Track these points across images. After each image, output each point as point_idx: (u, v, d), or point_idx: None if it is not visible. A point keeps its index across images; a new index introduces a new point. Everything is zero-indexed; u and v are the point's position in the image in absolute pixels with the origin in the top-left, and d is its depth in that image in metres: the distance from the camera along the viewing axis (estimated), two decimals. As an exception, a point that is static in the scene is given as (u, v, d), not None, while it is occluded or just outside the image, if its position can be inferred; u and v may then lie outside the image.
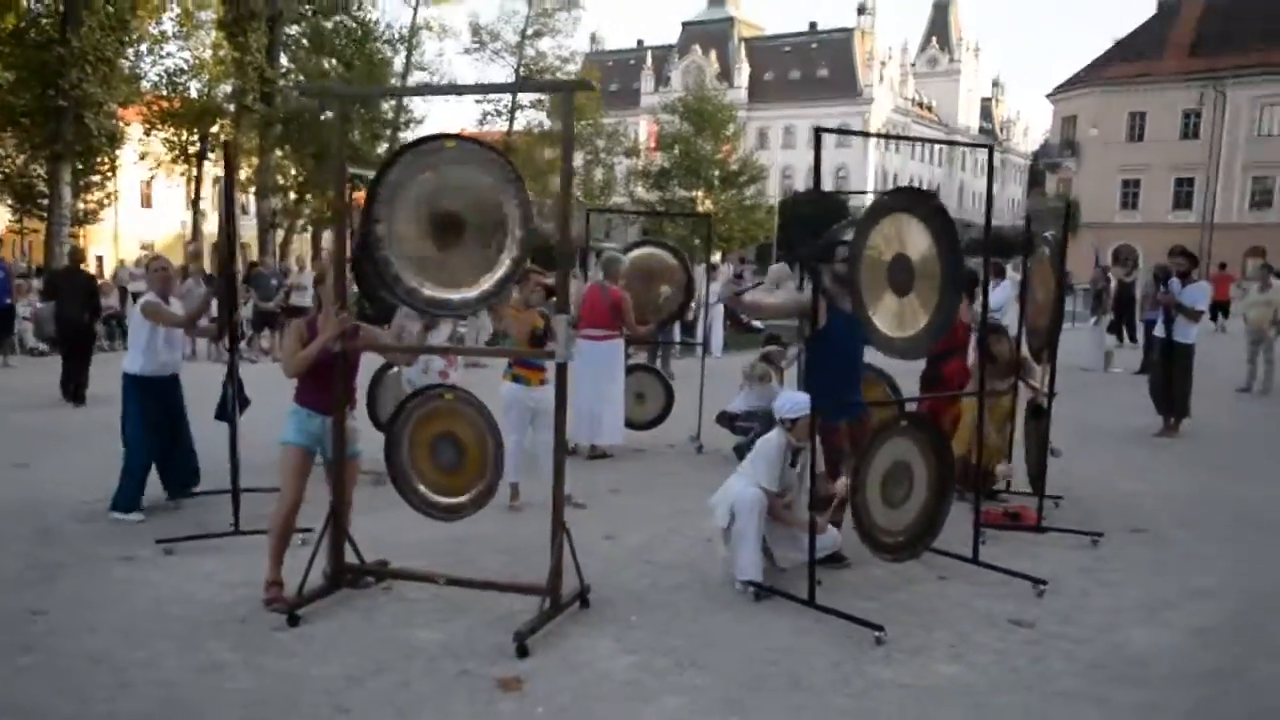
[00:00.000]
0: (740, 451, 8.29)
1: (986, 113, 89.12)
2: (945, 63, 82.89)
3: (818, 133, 4.62)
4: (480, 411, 4.69)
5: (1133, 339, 17.23)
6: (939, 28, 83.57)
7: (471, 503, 4.75)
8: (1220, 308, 22.08)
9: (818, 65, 74.75)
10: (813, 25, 78.58)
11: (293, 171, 25.39)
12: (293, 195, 25.81)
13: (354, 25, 26.86)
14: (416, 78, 31.45)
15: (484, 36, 39.42)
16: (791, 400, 5.05)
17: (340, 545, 4.85)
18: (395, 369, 8.09)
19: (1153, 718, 3.64)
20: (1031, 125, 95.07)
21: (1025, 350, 6.58)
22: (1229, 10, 51.78)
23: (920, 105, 79.64)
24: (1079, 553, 5.66)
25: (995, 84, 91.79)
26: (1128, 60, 51.78)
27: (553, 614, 4.46)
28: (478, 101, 41.45)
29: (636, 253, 9.04)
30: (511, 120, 40.03)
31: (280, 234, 30.59)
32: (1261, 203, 48.40)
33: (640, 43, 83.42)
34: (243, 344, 16.82)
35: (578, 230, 18.53)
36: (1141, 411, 9.95)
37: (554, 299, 6.61)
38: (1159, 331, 9.70)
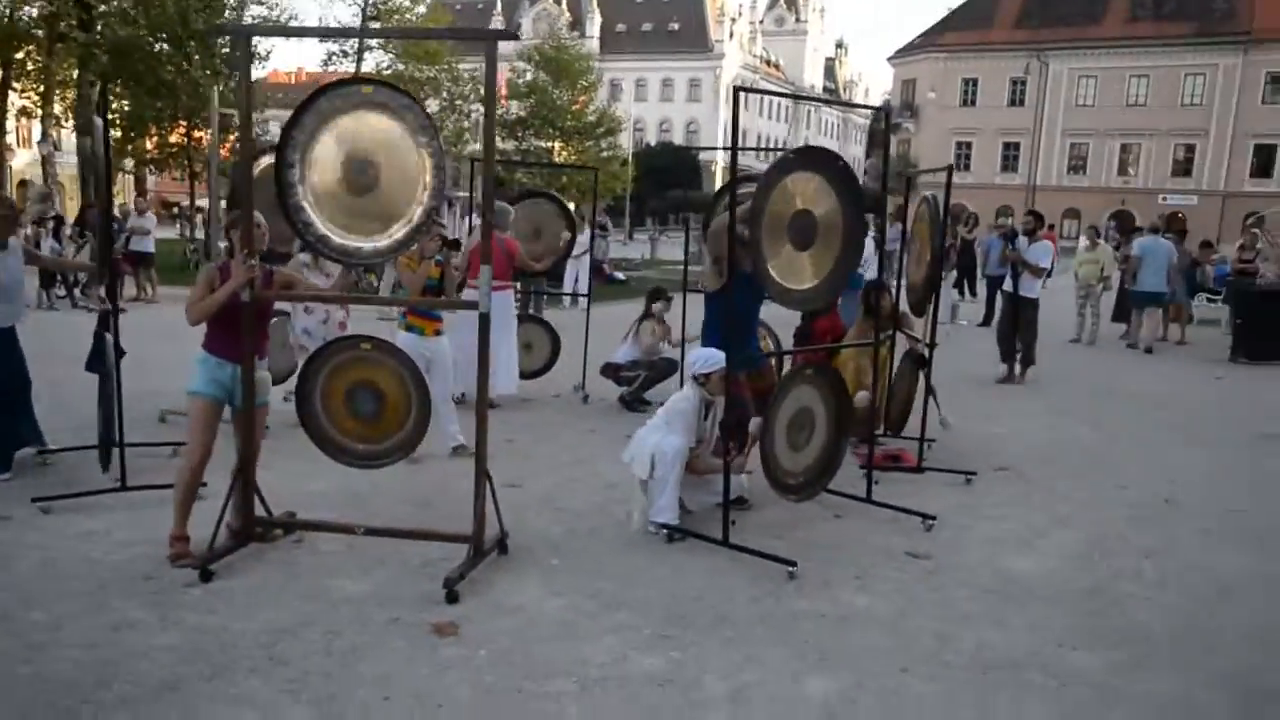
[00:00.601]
0: (626, 401, 8.48)
1: (830, 73, 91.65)
2: (792, 22, 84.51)
3: (737, 92, 4.73)
4: (401, 360, 4.64)
5: (973, 293, 18.30)
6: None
7: (395, 448, 4.71)
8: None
9: (669, 19, 74.93)
10: (664, -23, 78.50)
11: (125, 106, 23.57)
12: (118, 133, 23.98)
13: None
14: (253, 12, 29.77)
15: (329, -29, 37.63)
16: (705, 356, 5.21)
17: (250, 498, 4.73)
18: (277, 317, 7.83)
19: (1043, 634, 4.01)
20: (872, 87, 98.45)
21: (904, 304, 6.96)
22: (1052, -17, 54.97)
23: (768, 63, 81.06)
24: (956, 490, 6.09)
25: (839, 45, 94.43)
26: (962, 29, 54.28)
27: (476, 560, 4.50)
28: (321, 40, 39.62)
29: (522, 204, 8.99)
30: (359, 63, 38.53)
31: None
32: (1076, 168, 51.95)
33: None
34: (77, 291, 15.90)
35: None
36: (989, 360, 10.65)
37: (449, 249, 6.57)
38: (1007, 286, 10.39)
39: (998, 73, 52.52)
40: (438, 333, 6.73)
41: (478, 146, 35.21)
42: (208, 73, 23.04)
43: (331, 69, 38.60)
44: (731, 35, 74.17)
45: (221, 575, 4.41)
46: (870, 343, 6.24)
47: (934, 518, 5.33)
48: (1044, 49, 51.16)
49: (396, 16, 38.45)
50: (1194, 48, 49.65)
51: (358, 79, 4.50)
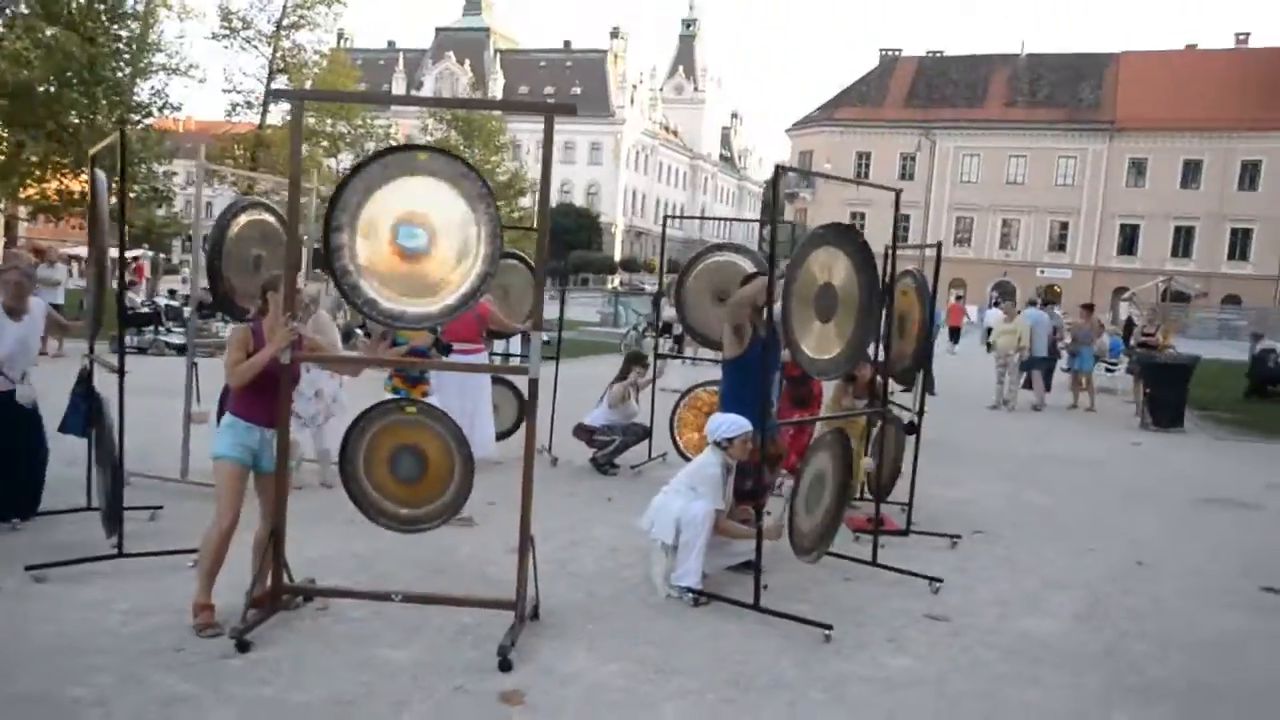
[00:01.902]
0: (598, 464, 8.51)
1: (726, 141, 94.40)
2: (690, 91, 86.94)
3: (778, 171, 4.96)
4: (445, 424, 4.63)
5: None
6: (685, 57, 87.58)
7: (437, 512, 4.67)
8: (954, 333, 24.88)
9: (572, 83, 76.14)
10: (567, 44, 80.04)
11: (23, 153, 22.48)
12: (15, 179, 22.86)
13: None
14: (156, 59, 28.98)
15: (235, 23, 37.03)
16: (728, 421, 5.34)
17: (280, 564, 4.61)
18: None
19: (1081, 694, 4.23)
20: (765, 156, 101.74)
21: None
22: (937, 68, 58.31)
23: (666, 129, 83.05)
24: (944, 553, 6.33)
25: (734, 115, 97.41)
26: (854, 105, 56.84)
27: (520, 627, 4.48)
28: (225, 91, 38.89)
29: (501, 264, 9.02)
30: (264, 114, 37.92)
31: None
32: (962, 240, 54.60)
33: (391, 44, 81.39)
34: None
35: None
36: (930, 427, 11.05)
37: None
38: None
39: (889, 148, 55.09)
40: (424, 394, 6.68)
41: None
42: (114, 120, 22.33)
43: (235, 119, 37.97)
44: (633, 101, 75.81)
45: (256, 645, 4.27)
46: (869, 411, 6.50)
47: (941, 580, 5.54)
48: (931, 127, 53.96)
49: (305, 70, 38.09)
50: (1065, 133, 53.12)
51: (412, 146, 4.52)
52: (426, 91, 74.32)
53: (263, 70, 37.86)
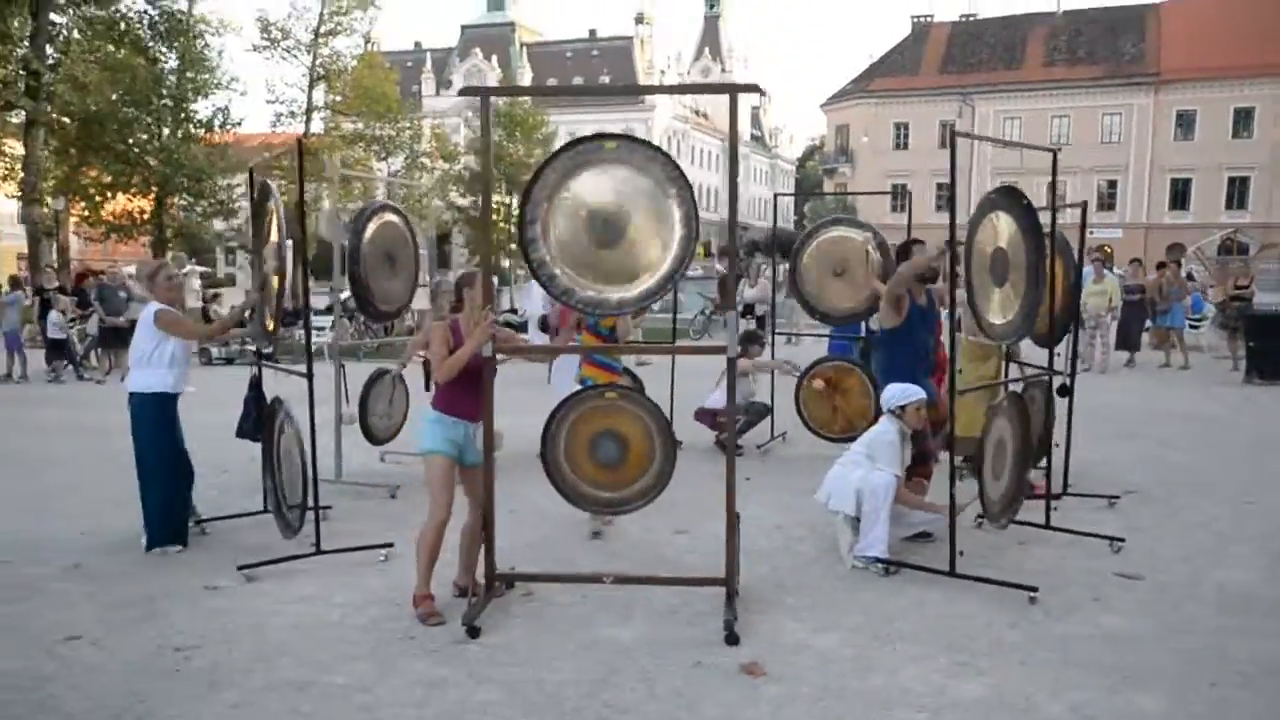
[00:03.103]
0: (723, 445, 8.57)
1: (756, 120, 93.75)
2: (718, 72, 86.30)
3: (953, 136, 4.98)
4: (644, 406, 4.72)
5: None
6: (710, 39, 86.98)
7: (639, 494, 4.76)
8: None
9: (599, 71, 75.95)
10: (593, 32, 79.79)
11: (99, 176, 22.96)
12: (93, 201, 23.31)
13: (150, 14, 24.58)
14: (213, 76, 29.42)
15: (274, 34, 37.48)
16: (901, 390, 5.38)
17: (492, 552, 4.72)
18: (389, 374, 7.81)
19: (1306, 640, 4.24)
20: (796, 134, 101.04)
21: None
22: (971, 32, 57.52)
23: (697, 113, 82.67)
24: (1106, 513, 6.34)
25: (763, 94, 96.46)
26: (889, 75, 56.25)
27: (733, 603, 4.57)
28: (269, 102, 39.42)
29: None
30: (308, 122, 38.38)
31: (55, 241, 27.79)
32: (1008, 205, 53.83)
33: (418, 44, 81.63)
34: (80, 363, 15.40)
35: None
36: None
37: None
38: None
39: (927, 116, 54.44)
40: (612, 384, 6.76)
41: (438, 202, 34.69)
42: (180, 136, 22.73)
43: (280, 129, 38.50)
44: (461, 92, 75.45)
45: (485, 631, 4.39)
46: (1022, 378, 6.53)
47: (1123, 540, 5.55)
48: (969, 92, 53.28)
49: (345, 75, 38.42)
50: (1108, 89, 52.21)
51: (601, 136, 4.60)
52: (457, 89, 74.66)
53: (304, 79, 38.45)
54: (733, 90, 4.61)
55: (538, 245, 4.56)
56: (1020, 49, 55.11)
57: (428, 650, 4.22)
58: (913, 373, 5.70)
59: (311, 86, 38.74)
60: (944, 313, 6.05)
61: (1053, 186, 6.00)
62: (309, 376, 5.38)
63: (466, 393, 4.67)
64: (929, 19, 59.56)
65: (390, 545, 5.57)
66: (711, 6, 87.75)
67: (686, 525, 6.20)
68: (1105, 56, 53.34)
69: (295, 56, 38.42)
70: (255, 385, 6.30)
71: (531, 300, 17.15)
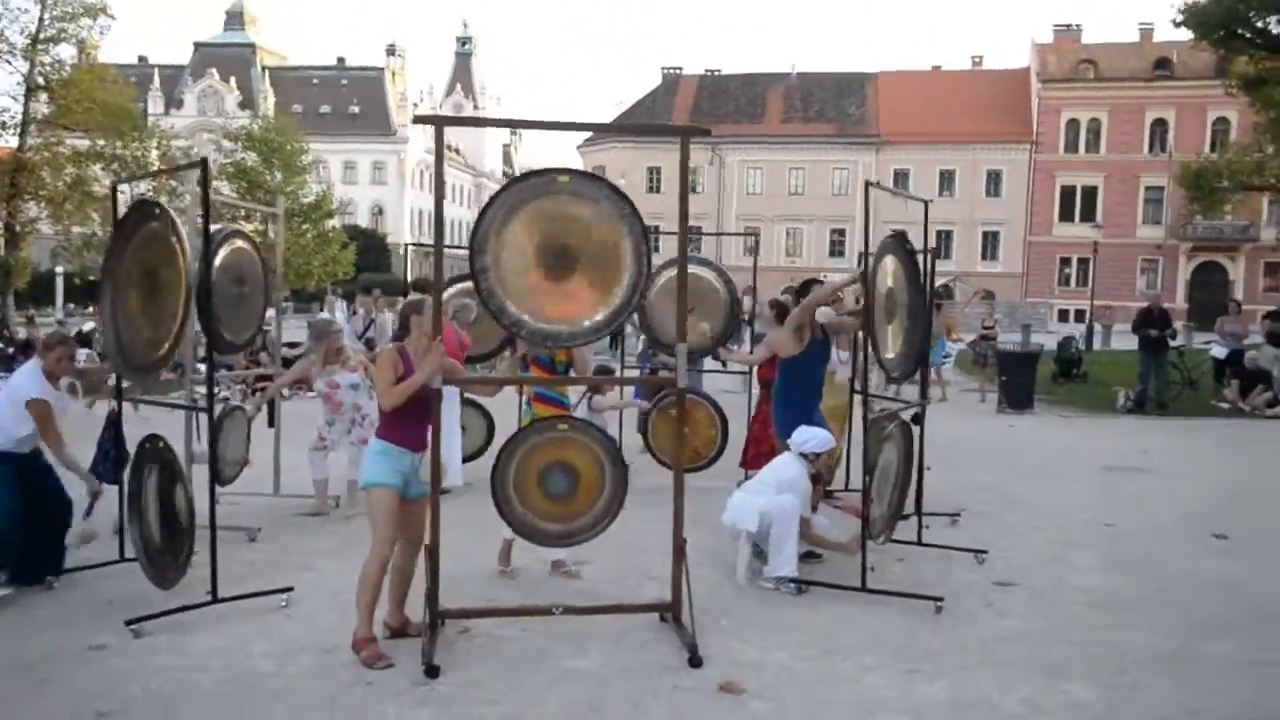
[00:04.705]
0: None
1: (508, 158, 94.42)
2: (469, 109, 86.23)
3: (866, 187, 5.41)
4: (594, 437, 4.76)
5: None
6: (462, 75, 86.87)
7: (588, 526, 4.77)
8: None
9: (349, 101, 73.83)
10: (341, 60, 77.47)
11: None
12: None
13: None
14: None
15: (-18, 34, 33.57)
16: (815, 437, 5.73)
17: (436, 587, 4.57)
18: (239, 410, 7.29)
19: (1171, 631, 4.93)
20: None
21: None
22: (717, 85, 61.15)
23: (449, 148, 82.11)
24: (952, 531, 6.97)
25: (514, 133, 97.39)
26: (642, 121, 58.53)
27: (680, 628, 4.69)
28: (-22, 112, 35.19)
29: (458, 289, 8.97)
30: (23, 135, 34.59)
31: None
32: (752, 249, 57.37)
33: (143, 59, 75.82)
34: None
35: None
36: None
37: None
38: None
39: (677, 163, 57.05)
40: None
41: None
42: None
43: (-10, 142, 34.46)
44: (414, 120, 74.39)
45: (444, 670, 4.25)
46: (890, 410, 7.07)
47: (985, 552, 6.17)
48: (717, 142, 56.41)
49: (72, 86, 35.12)
50: (837, 146, 57.08)
51: (553, 170, 4.62)
52: (190, 109, 69.94)
53: (19, 87, 34.68)
54: (685, 132, 4.81)
55: (488, 275, 4.53)
56: (761, 104, 59.12)
57: (394, 693, 4.04)
58: (808, 402, 6.09)
59: (29, 96, 35.08)
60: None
61: (926, 233, 6.57)
62: (210, 411, 4.99)
63: (414, 422, 4.54)
64: (679, 70, 62.66)
65: (290, 589, 5.23)
66: (463, 45, 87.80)
67: (586, 556, 6.21)
68: (833, 116, 58.32)
69: (9, 62, 34.68)
70: (113, 424, 5.72)
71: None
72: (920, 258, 6.21)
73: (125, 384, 5.85)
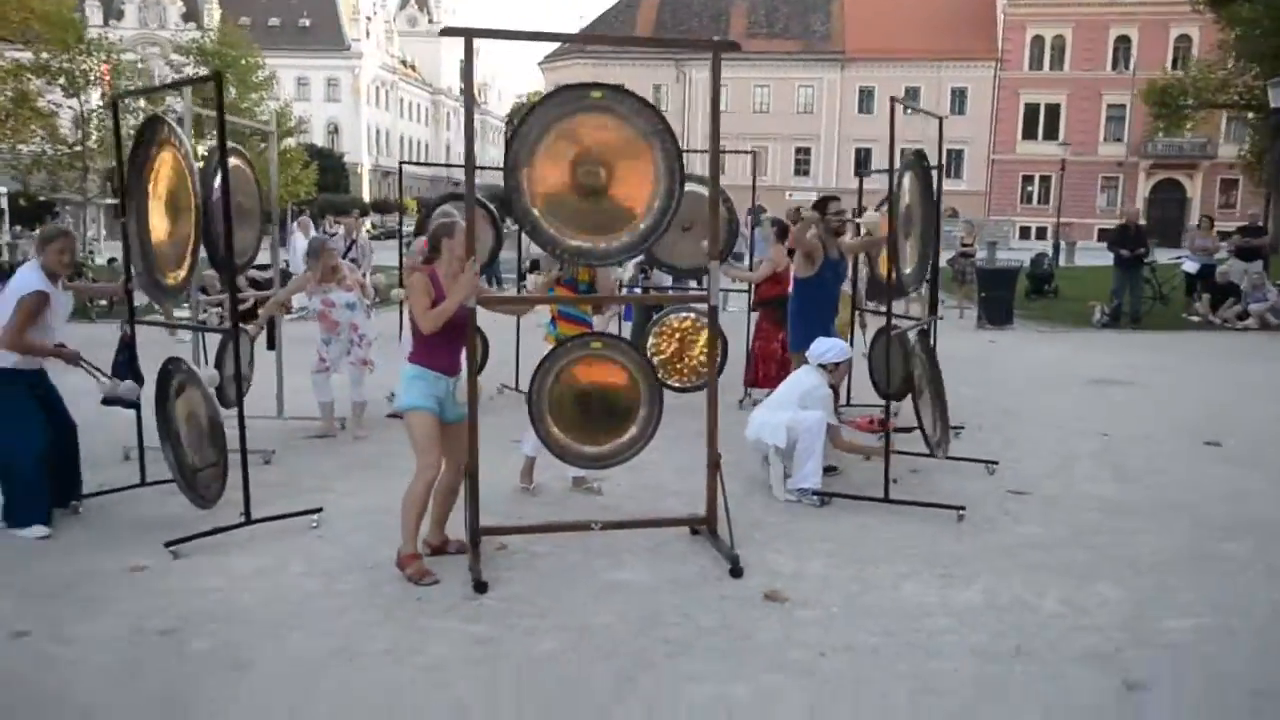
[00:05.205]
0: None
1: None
2: (424, 23, 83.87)
3: (893, 105, 5.36)
4: (628, 355, 4.77)
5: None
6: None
7: (624, 448, 4.81)
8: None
9: (299, 14, 71.34)
10: (289, -29, 74.61)
11: None
12: None
13: None
14: None
15: None
16: (833, 346, 5.79)
17: (476, 506, 4.60)
18: (243, 330, 7.19)
19: (1183, 534, 5.12)
20: (505, 90, 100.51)
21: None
22: (680, 2, 59.90)
23: (404, 64, 79.98)
24: (957, 443, 7.11)
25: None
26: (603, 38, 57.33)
27: (717, 540, 4.78)
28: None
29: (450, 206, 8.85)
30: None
31: None
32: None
33: (80, -32, 72.47)
34: None
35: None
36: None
37: None
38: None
39: (642, 78, 56.09)
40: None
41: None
42: None
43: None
44: (369, 34, 72.26)
45: (493, 585, 4.32)
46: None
47: (996, 462, 6.33)
48: (681, 58, 55.55)
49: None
50: (802, 63, 56.42)
51: (585, 85, 4.53)
52: (130, 20, 67.28)
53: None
54: (716, 47, 4.74)
55: (522, 194, 4.47)
56: (726, 20, 58.06)
57: (446, 608, 4.10)
58: (823, 320, 6.16)
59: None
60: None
61: (940, 151, 6.57)
62: (234, 330, 4.93)
63: (447, 346, 4.51)
64: (642, -16, 61.28)
65: (319, 510, 5.24)
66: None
67: (595, 478, 6.26)
68: (798, 33, 57.52)
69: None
70: (127, 346, 5.62)
71: (295, 252, 16.26)
72: (934, 174, 6.23)
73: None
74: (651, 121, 4.57)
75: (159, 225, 5.26)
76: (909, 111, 5.74)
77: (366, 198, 66.75)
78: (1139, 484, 6.10)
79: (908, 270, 5.80)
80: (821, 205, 6.58)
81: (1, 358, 4.98)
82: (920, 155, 5.87)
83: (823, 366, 5.78)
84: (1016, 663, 3.66)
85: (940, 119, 6.83)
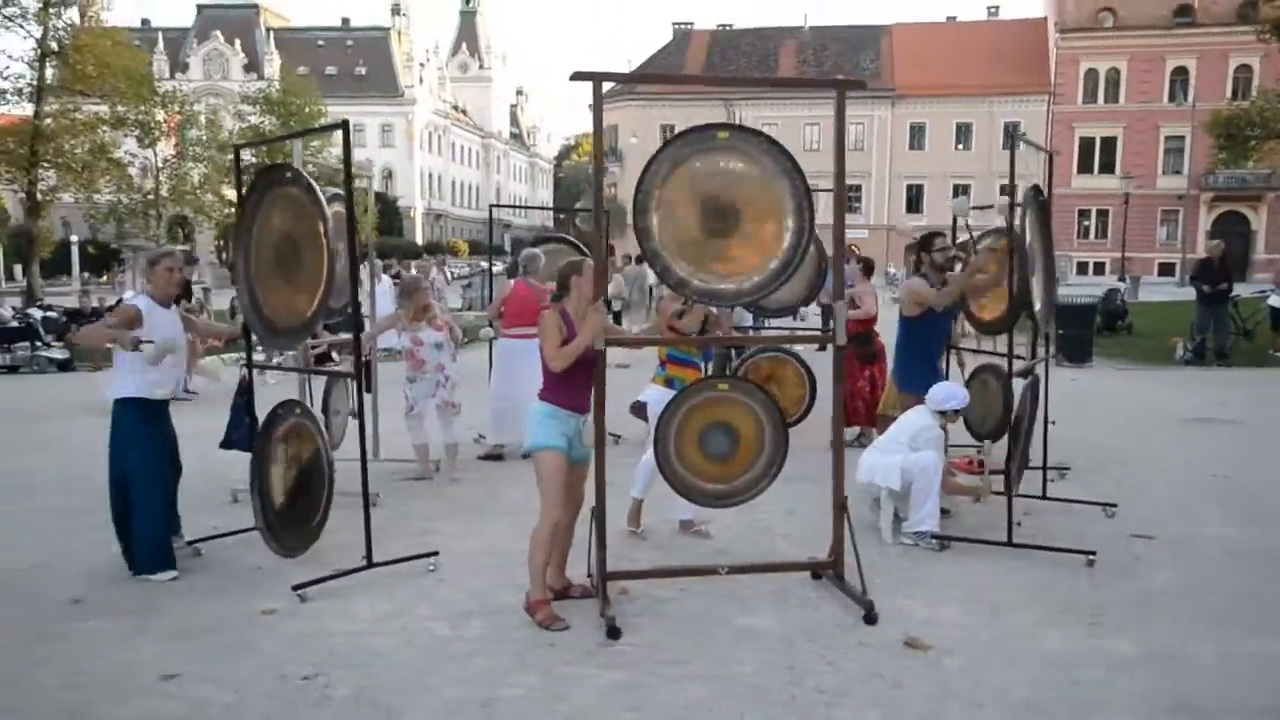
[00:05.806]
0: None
1: (514, 118, 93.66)
2: (475, 69, 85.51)
3: (1013, 140, 5.30)
4: (756, 399, 4.71)
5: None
6: (467, 34, 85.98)
7: (747, 486, 4.75)
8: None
9: (355, 63, 73.12)
10: (345, 21, 76.66)
11: None
12: None
13: None
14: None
15: (-9, -1, 33.14)
16: (955, 394, 5.68)
17: (604, 548, 4.55)
18: (343, 379, 7.28)
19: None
20: (553, 132, 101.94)
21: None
22: (729, 40, 60.45)
23: (456, 109, 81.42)
24: (1062, 485, 6.94)
25: (519, 92, 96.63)
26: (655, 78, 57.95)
27: (842, 584, 4.68)
28: (-9, 78, 34.88)
29: (547, 248, 8.92)
30: (39, 101, 34.30)
31: None
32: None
33: (146, 22, 75.02)
34: None
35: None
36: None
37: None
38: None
39: (693, 119, 56.33)
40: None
41: (211, 196, 31.58)
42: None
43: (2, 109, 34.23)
44: (421, 80, 73.72)
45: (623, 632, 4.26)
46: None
47: (1115, 505, 6.14)
48: (731, 98, 55.90)
49: (86, 51, 34.81)
50: (852, 100, 56.34)
51: (714, 125, 4.54)
52: (195, 72, 69.35)
53: (32, 53, 34.35)
54: (840, 85, 4.72)
55: (651, 235, 4.46)
56: (774, 59, 58.45)
57: (583, 654, 4.05)
58: (929, 359, 6.07)
59: (43, 62, 34.74)
60: None
61: (1049, 186, 6.47)
62: (358, 377, 4.97)
63: (578, 384, 4.49)
64: (689, 25, 61.91)
65: (435, 554, 5.23)
66: (467, 2, 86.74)
67: (703, 515, 6.19)
68: (848, 70, 57.57)
69: (21, 27, 34.28)
70: (245, 390, 5.69)
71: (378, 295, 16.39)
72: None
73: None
74: (779, 161, 4.55)
75: (273, 271, 5.31)
76: (1021, 147, 5.63)
77: (419, 240, 67.77)
78: (1267, 527, 5.88)
79: (1038, 307, 5.71)
80: (925, 242, 6.47)
81: (123, 386, 5.04)
82: (1036, 189, 5.78)
83: (941, 411, 5.67)
84: (1181, 717, 3.51)
85: (1050, 154, 6.71)
